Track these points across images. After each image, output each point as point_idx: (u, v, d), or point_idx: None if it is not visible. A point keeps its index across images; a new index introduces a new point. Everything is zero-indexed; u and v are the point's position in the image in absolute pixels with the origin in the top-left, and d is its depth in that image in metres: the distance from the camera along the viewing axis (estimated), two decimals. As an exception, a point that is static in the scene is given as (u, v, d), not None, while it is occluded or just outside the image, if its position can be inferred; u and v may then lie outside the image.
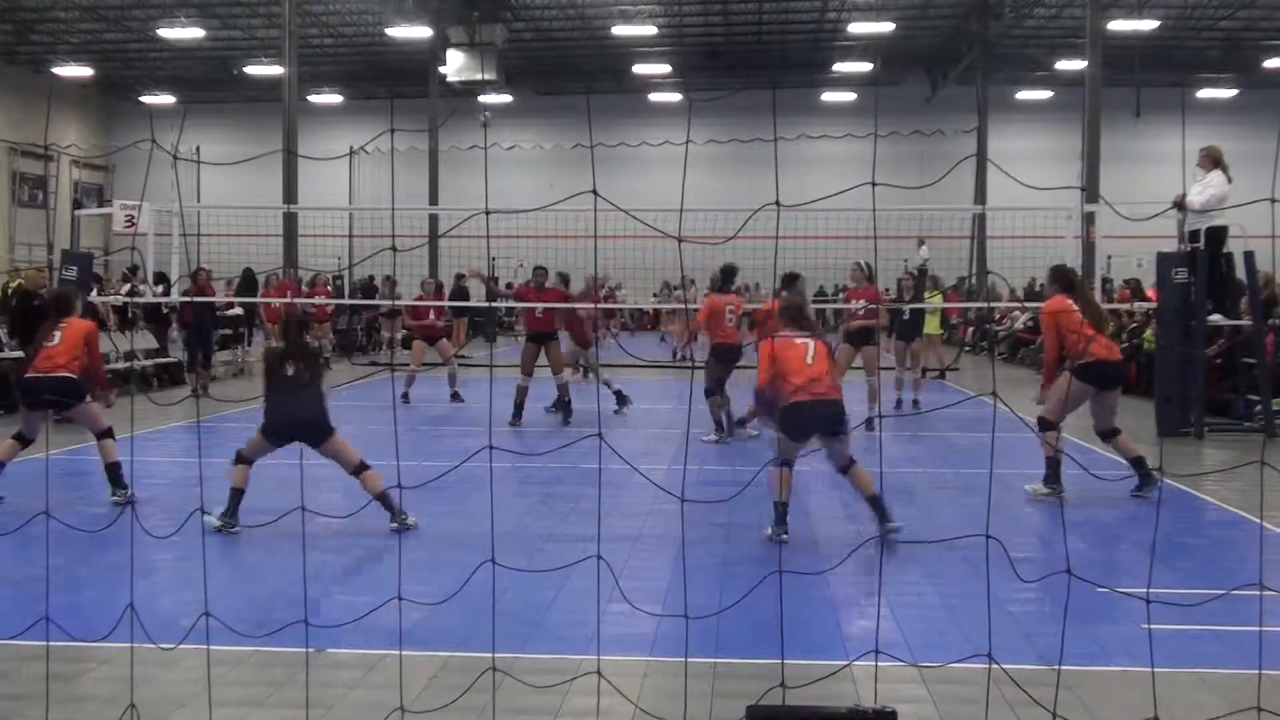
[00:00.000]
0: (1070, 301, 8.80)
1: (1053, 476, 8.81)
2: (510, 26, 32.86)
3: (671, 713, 3.97)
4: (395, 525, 7.46)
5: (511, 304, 18.95)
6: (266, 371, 7.83)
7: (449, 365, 15.97)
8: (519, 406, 13.31)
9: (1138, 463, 8.78)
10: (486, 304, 25.74)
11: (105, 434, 8.50)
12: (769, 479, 7.21)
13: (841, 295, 15.10)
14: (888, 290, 18.00)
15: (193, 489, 8.03)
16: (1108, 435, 8.93)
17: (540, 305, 13.69)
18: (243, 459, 7.75)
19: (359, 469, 7.68)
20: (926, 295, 21.74)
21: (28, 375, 8.42)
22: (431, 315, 16.12)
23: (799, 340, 7.32)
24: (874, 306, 13.54)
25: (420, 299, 16.68)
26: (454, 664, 4.94)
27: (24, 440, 8.41)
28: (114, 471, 8.46)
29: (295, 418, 7.60)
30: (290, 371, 7.64)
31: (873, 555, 6.66)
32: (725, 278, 12.37)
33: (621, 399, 14.37)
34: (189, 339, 17.25)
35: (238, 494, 7.62)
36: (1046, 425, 8.74)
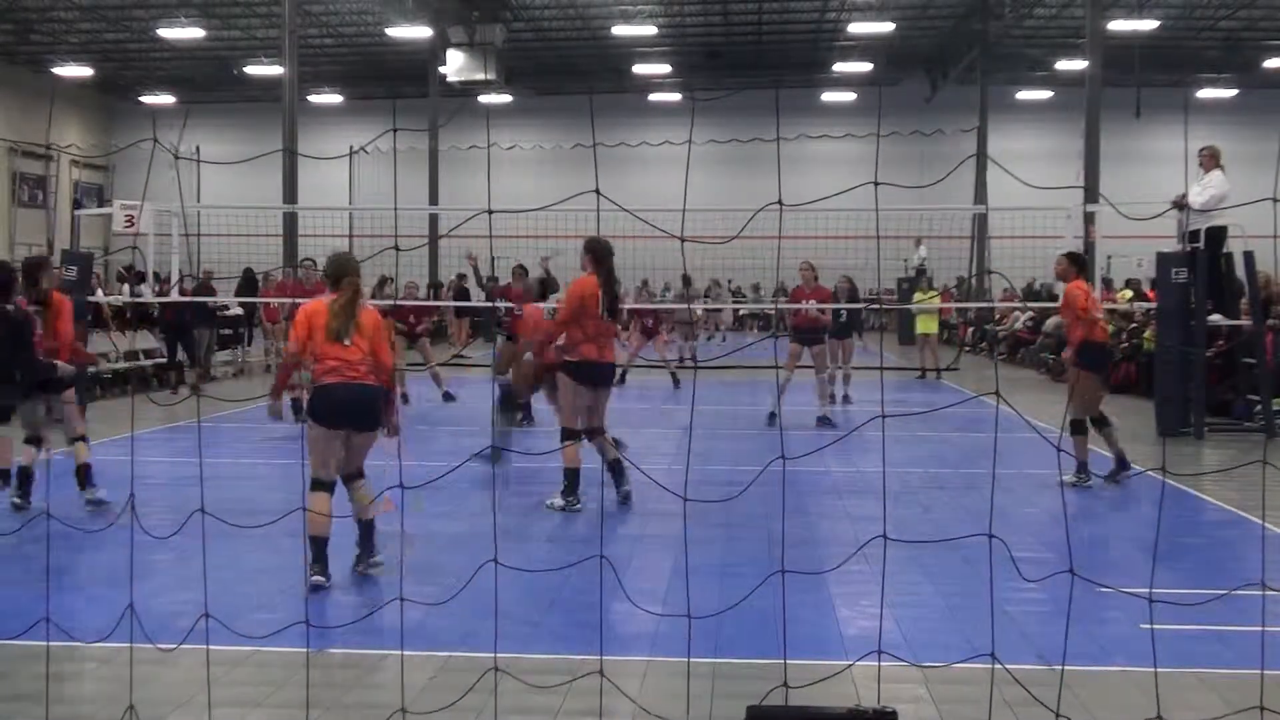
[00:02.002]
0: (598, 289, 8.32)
1: (570, 489, 8.43)
2: (510, 26, 32.84)
3: (673, 713, 3.97)
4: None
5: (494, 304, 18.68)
6: None
7: (429, 367, 16.05)
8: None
9: (614, 465, 8.57)
10: (487, 304, 25.69)
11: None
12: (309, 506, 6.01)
13: (786, 297, 15.30)
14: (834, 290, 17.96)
15: (193, 489, 8.02)
16: (597, 433, 8.51)
17: (514, 304, 13.62)
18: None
19: None
20: (918, 296, 21.78)
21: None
22: (412, 318, 15.93)
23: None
24: (824, 307, 13.76)
25: (407, 297, 16.65)
26: (455, 664, 4.93)
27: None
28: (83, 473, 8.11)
29: None
30: None
31: (874, 555, 6.65)
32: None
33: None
34: (168, 340, 17.32)
35: None
36: (571, 435, 8.40)
